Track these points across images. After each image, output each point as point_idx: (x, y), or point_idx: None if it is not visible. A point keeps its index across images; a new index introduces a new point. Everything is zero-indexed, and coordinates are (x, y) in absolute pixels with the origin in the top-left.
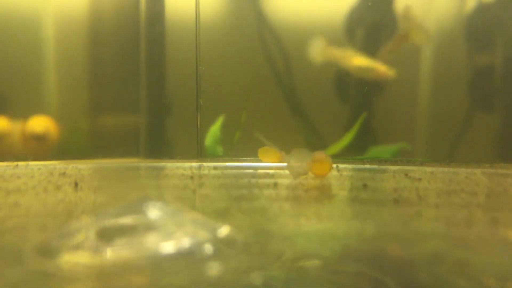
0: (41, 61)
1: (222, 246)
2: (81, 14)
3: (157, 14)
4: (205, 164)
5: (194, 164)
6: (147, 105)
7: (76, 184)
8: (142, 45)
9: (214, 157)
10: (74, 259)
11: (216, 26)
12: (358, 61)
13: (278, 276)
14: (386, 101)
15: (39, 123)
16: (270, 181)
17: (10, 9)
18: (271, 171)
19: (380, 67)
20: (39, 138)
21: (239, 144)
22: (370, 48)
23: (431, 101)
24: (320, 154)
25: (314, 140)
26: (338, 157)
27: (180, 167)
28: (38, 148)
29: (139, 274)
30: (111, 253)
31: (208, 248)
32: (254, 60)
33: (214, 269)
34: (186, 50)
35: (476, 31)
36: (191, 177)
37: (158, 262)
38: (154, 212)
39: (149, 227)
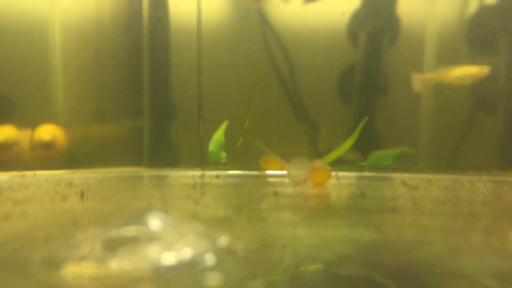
0: (48, 69)
1: (223, 255)
2: (86, 22)
3: (160, 20)
4: (207, 172)
5: (197, 173)
6: (150, 114)
7: (82, 194)
8: (145, 53)
9: (217, 164)
10: (79, 270)
11: (219, 32)
12: (455, 72)
13: (279, 283)
14: (388, 105)
15: (47, 131)
16: (270, 189)
17: (17, 19)
18: (272, 180)
19: (474, 69)
20: (47, 147)
21: (242, 150)
22: (373, 51)
23: (434, 105)
24: (319, 163)
25: (318, 145)
26: (340, 163)
27: (183, 176)
28: (46, 156)
29: (143, 284)
30: (115, 264)
31: (209, 257)
32: (257, 65)
33: (215, 278)
34: (188, 58)
35: (478, 34)
36: (193, 186)
37: (161, 273)
38: (156, 222)
39: (152, 237)
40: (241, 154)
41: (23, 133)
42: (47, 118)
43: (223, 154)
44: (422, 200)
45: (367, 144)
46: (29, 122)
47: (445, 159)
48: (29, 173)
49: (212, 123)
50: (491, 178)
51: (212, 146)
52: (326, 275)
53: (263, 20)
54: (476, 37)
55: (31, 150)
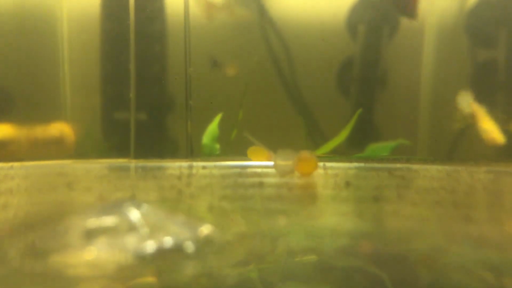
0: (56, 64)
1: (203, 245)
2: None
3: (148, 11)
4: (194, 163)
5: (184, 164)
6: (137, 105)
7: (69, 185)
8: (132, 45)
9: (209, 156)
10: (60, 259)
11: (210, 21)
12: (485, 123)
13: (256, 272)
14: (387, 98)
15: (54, 128)
16: (256, 180)
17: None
18: (259, 170)
19: (494, 132)
20: (54, 142)
21: (237, 142)
22: (372, 44)
23: (433, 97)
24: (305, 154)
25: (316, 137)
26: (335, 154)
27: (169, 167)
28: (53, 152)
29: (122, 274)
30: (95, 253)
31: (188, 247)
32: (252, 55)
33: (192, 267)
34: (176, 49)
35: (478, 26)
36: (179, 177)
37: (140, 262)
38: (137, 212)
39: (131, 227)
40: (236, 146)
41: (30, 129)
42: (56, 114)
43: (217, 146)
44: (406, 190)
45: (366, 136)
46: (36, 118)
47: (443, 151)
48: (16, 164)
49: (202, 114)
50: (478, 169)
51: (206, 138)
52: (300, 262)
53: (260, 10)
54: (476, 29)
55: (39, 146)
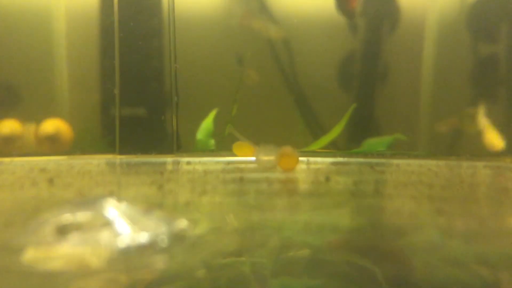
0: (53, 61)
1: (176, 240)
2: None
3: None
4: (180, 159)
5: (169, 159)
6: (121, 101)
7: (51, 180)
8: (116, 39)
9: (204, 151)
10: (32, 255)
11: (198, 14)
12: (488, 131)
13: (223, 268)
14: (388, 93)
15: (51, 125)
16: (237, 175)
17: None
18: (242, 166)
19: (495, 140)
20: (51, 139)
21: (230, 137)
22: (372, 38)
23: (433, 93)
24: (287, 149)
25: (316, 132)
26: (334, 149)
27: (154, 163)
28: (51, 149)
29: (96, 269)
30: (68, 249)
31: (162, 242)
32: (247, 49)
33: (164, 262)
34: (161, 43)
35: (479, 21)
36: (162, 173)
37: (115, 258)
38: (112, 208)
39: (106, 223)
40: (229, 141)
41: (27, 127)
42: (52, 111)
43: (212, 142)
44: (385, 184)
45: (366, 132)
46: (34, 115)
47: (442, 147)
48: (5, 159)
49: (190, 110)
50: (458, 163)
51: (201, 133)
52: (267, 257)
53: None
54: (477, 24)
55: (37, 144)
